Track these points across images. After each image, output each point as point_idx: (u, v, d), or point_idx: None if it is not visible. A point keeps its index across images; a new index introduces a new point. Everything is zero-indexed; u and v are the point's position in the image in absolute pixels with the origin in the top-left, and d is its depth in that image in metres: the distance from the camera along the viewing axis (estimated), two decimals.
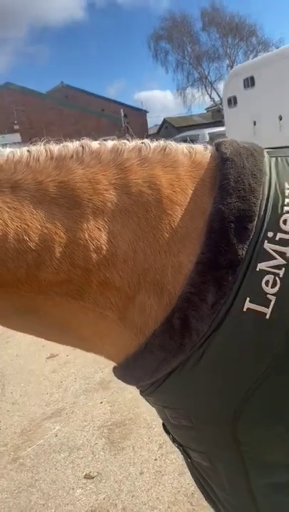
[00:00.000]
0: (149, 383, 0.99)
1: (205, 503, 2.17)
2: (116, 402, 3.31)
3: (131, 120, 28.93)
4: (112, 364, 1.08)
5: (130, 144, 1.02)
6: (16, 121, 23.99)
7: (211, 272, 0.87)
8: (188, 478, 2.38)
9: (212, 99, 35.80)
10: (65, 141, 1.01)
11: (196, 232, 0.92)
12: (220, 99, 26.80)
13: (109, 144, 1.01)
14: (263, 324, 0.86)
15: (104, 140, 1.03)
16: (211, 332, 0.88)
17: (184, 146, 1.05)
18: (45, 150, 0.96)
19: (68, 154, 0.96)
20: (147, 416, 3.02)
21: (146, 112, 37.44)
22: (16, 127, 24.05)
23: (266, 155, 1.03)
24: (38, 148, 0.97)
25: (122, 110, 26.17)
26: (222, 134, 12.33)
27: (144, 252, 0.92)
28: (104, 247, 0.90)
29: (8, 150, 0.96)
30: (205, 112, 41.35)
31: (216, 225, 0.89)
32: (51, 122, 24.81)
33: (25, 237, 0.88)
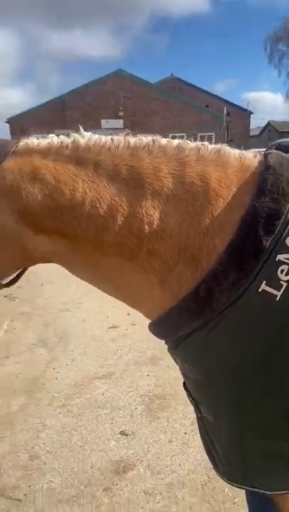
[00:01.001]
0: (175, 339, 1.22)
1: (219, 479, 2.38)
2: (161, 378, 3.58)
3: (233, 119, 28.60)
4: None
5: (192, 143, 1.25)
6: (121, 108, 24.84)
7: (237, 256, 1.08)
8: None
9: None
10: (164, 132, 1.27)
11: (232, 221, 1.13)
12: None
13: (176, 141, 1.26)
14: (273, 304, 1.05)
15: (202, 135, 1.28)
16: (229, 305, 1.09)
17: (237, 151, 1.26)
18: (124, 140, 1.22)
19: (141, 145, 1.21)
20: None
21: (250, 112, 36.65)
22: (121, 114, 24.92)
23: None
24: (120, 138, 1.23)
25: (225, 108, 25.96)
26: None
27: (188, 232, 1.15)
28: (156, 223, 1.15)
29: (96, 136, 1.25)
30: None
31: (248, 218, 1.10)
32: (154, 112, 25.35)
33: (97, 205, 1.15)
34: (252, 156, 1.23)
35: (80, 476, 2.52)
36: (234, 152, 1.24)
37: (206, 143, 1.26)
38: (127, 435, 2.88)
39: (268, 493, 1.30)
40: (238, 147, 1.31)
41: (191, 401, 1.38)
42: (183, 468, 2.57)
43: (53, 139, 1.23)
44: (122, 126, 24.42)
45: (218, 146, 1.25)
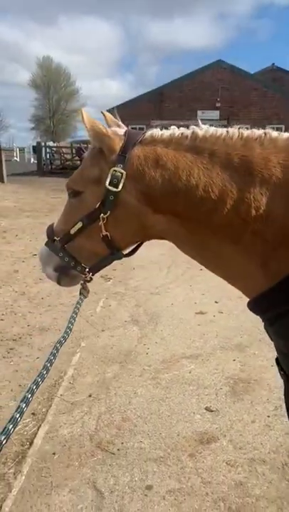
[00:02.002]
0: (272, 316, 1.35)
1: None
2: (247, 364, 3.69)
3: None
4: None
5: None
6: (218, 99, 24.57)
7: None
8: None
9: None
10: (263, 123, 1.41)
11: None
12: None
13: (286, 134, 1.38)
14: None
15: None
16: None
17: None
18: (238, 132, 1.37)
19: (254, 137, 1.34)
20: (271, 382, 3.34)
21: None
22: (218, 105, 24.65)
23: None
24: (234, 130, 1.37)
25: None
26: None
27: None
28: (262, 208, 1.28)
29: (212, 128, 1.40)
30: None
31: None
32: (252, 103, 24.73)
33: (210, 189, 1.31)
34: None
35: (167, 441, 2.75)
36: None
37: None
38: (211, 411, 3.05)
39: None
40: None
41: (282, 375, 1.50)
42: (264, 447, 2.69)
43: (174, 130, 1.41)
44: (218, 117, 24.19)
45: None
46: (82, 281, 1.62)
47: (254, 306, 1.40)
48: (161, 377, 3.51)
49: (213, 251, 1.39)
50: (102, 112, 1.57)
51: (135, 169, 1.36)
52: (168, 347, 4.04)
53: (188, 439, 2.77)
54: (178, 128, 1.43)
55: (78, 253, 1.53)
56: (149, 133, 1.43)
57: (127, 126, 1.53)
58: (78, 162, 25.11)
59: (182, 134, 1.39)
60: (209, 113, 24.22)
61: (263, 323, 1.43)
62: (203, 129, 1.38)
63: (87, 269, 1.55)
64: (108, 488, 2.37)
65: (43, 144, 29.18)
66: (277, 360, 1.50)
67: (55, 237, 1.54)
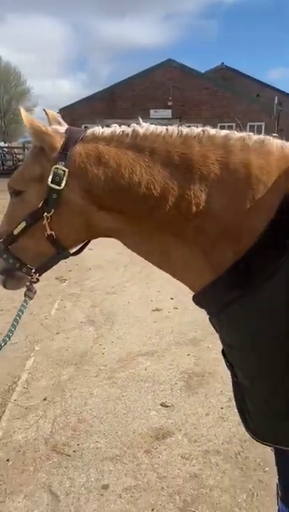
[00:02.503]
0: (216, 308, 1.37)
1: (252, 450, 2.55)
2: (201, 358, 3.76)
3: (285, 109, 27.82)
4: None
5: (238, 133, 1.41)
6: (170, 98, 24.80)
7: (275, 235, 1.23)
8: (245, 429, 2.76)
9: None
10: (214, 121, 1.43)
11: (271, 204, 1.27)
12: None
13: (224, 131, 1.41)
14: None
15: (252, 125, 1.43)
16: (266, 278, 1.24)
17: (279, 141, 1.40)
18: (178, 130, 1.39)
19: (193, 135, 1.37)
20: (225, 374, 3.41)
21: None
22: (170, 103, 24.88)
23: None
24: (174, 128, 1.40)
25: (276, 97, 25.32)
26: None
27: (230, 212, 1.30)
28: (202, 204, 1.31)
29: (152, 126, 1.42)
30: None
31: (286, 201, 1.25)
32: (203, 102, 25.13)
33: (152, 187, 1.33)
34: None
35: (123, 439, 2.76)
36: (276, 142, 1.38)
37: (251, 133, 1.41)
38: (167, 406, 3.09)
39: None
40: (288, 136, 1.44)
41: (228, 366, 1.53)
42: (218, 438, 2.76)
43: (116, 128, 1.41)
44: (171, 116, 24.42)
45: (262, 136, 1.39)
46: (28, 283, 1.60)
47: (198, 299, 1.43)
48: (117, 376, 3.51)
49: (158, 247, 1.42)
50: (44, 110, 1.57)
51: (77, 167, 1.36)
52: (124, 346, 4.06)
53: (144, 435, 2.79)
54: (119, 126, 1.44)
55: (23, 254, 1.50)
56: (90, 131, 1.43)
57: (80, 126, 1.53)
58: None
59: (123, 132, 1.40)
60: (162, 112, 24.41)
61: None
62: (143, 127, 1.40)
63: (33, 270, 1.52)
64: (64, 491, 2.35)
65: None
66: (223, 351, 1.54)
67: None
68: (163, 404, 3.12)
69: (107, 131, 1.42)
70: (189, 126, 1.43)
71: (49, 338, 4.24)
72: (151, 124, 1.46)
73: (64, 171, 1.35)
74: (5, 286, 1.63)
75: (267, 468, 2.46)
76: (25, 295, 1.62)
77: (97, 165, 1.36)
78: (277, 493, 1.68)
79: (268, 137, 1.39)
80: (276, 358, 1.28)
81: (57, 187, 1.35)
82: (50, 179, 1.35)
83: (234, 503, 2.25)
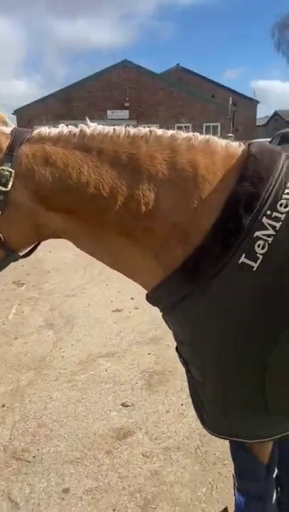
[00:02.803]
0: (168, 306, 1.39)
1: (211, 444, 2.60)
2: (161, 356, 3.79)
3: (240, 109, 28.53)
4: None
5: (184, 134, 1.43)
6: (127, 99, 24.85)
7: (221, 233, 1.26)
8: None
9: None
10: (170, 122, 1.44)
11: (217, 203, 1.30)
12: None
13: (170, 132, 1.43)
14: (250, 274, 1.23)
15: (208, 125, 1.45)
16: (214, 275, 1.26)
17: (223, 141, 1.44)
18: (125, 130, 1.40)
19: (140, 135, 1.39)
20: (184, 372, 3.45)
21: (257, 102, 36.48)
22: (127, 104, 24.94)
23: (284, 157, 1.37)
24: (121, 128, 1.41)
25: (230, 98, 25.88)
26: None
27: (179, 212, 1.33)
28: (151, 203, 1.33)
29: (100, 126, 1.42)
30: None
31: (231, 200, 1.27)
32: (160, 103, 25.33)
33: (100, 187, 1.33)
34: (237, 146, 1.41)
35: (84, 441, 2.75)
36: (221, 142, 1.41)
37: (196, 133, 1.44)
38: (127, 406, 3.10)
39: (247, 441, 1.50)
40: (243, 137, 1.48)
41: (182, 362, 1.56)
42: (178, 434, 2.79)
43: (63, 129, 1.41)
44: (128, 117, 24.48)
45: (208, 136, 1.42)
46: None
47: (151, 297, 1.45)
48: (77, 379, 3.49)
49: (108, 248, 1.42)
50: None
51: (24, 168, 1.35)
52: (84, 348, 4.03)
53: (104, 436, 2.79)
54: (66, 126, 1.43)
55: None
56: (36, 131, 1.42)
57: (36, 127, 1.50)
58: None
59: (70, 132, 1.40)
60: (118, 113, 24.43)
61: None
62: (91, 127, 1.40)
63: None
64: (23, 498, 2.32)
65: None
66: (177, 348, 1.56)
67: None
68: (124, 404, 3.13)
69: (53, 131, 1.41)
70: (148, 127, 1.45)
71: (7, 343, 4.15)
72: (108, 125, 1.47)
73: (10, 172, 1.33)
74: None
75: (226, 461, 2.51)
76: None
77: (44, 165, 1.35)
78: (234, 484, 1.73)
79: (212, 137, 1.43)
80: (225, 355, 1.31)
81: (3, 188, 1.33)
82: None
83: (194, 497, 2.29)
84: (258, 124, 39.17)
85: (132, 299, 5.22)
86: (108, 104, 24.74)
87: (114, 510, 2.23)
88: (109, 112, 24.23)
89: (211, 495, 2.31)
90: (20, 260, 1.50)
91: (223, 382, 1.37)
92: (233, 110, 25.27)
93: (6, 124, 1.49)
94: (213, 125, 23.10)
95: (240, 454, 1.63)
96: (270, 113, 45.41)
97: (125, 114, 24.67)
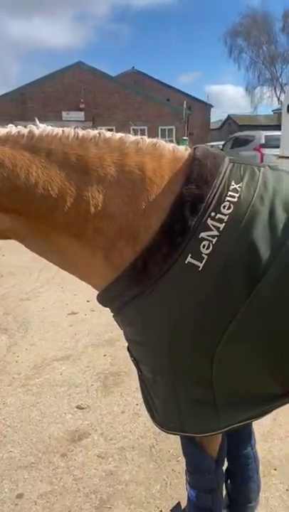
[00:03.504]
0: (118, 306, 1.41)
1: (165, 442, 2.64)
2: (117, 357, 3.81)
3: (194, 113, 29.05)
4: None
5: (133, 137, 1.46)
6: (82, 100, 24.70)
7: (168, 234, 1.30)
8: None
9: (280, 101, 35.07)
10: (126, 124, 1.45)
11: (164, 205, 1.34)
12: None
13: (119, 134, 1.46)
14: (196, 273, 1.28)
15: (163, 129, 1.48)
16: (162, 275, 1.30)
17: (170, 145, 1.48)
18: (74, 132, 1.42)
19: (89, 137, 1.41)
20: None
21: (210, 106, 37.28)
22: (82, 106, 24.78)
23: (227, 160, 1.43)
24: (70, 130, 1.42)
25: (185, 102, 26.30)
26: (278, 139, 12.33)
27: (127, 213, 1.36)
28: (100, 205, 1.35)
29: (49, 127, 1.43)
30: (272, 113, 40.64)
31: (177, 202, 1.32)
32: (115, 105, 25.36)
33: (49, 187, 1.34)
34: (183, 149, 1.45)
35: (39, 445, 2.72)
36: (168, 146, 1.46)
37: (144, 137, 1.47)
38: (82, 409, 3.10)
39: (196, 435, 1.55)
40: (198, 140, 1.52)
41: (132, 361, 1.59)
42: (133, 434, 2.82)
43: (11, 129, 1.40)
44: (83, 119, 24.35)
45: (155, 140, 1.46)
46: None
47: (101, 297, 1.47)
48: (31, 384, 3.45)
49: (59, 248, 1.43)
50: None
51: None
52: (39, 352, 3.99)
53: (59, 439, 2.78)
54: (16, 127, 1.43)
55: None
56: None
57: None
58: None
59: (19, 132, 1.40)
60: (74, 114, 24.26)
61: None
62: (40, 128, 1.40)
63: None
64: None
65: None
66: (128, 348, 1.59)
67: None
68: (79, 407, 3.12)
69: (1, 131, 1.41)
70: (105, 129, 1.46)
71: None
72: (64, 126, 1.48)
73: None
74: None
75: (180, 458, 2.56)
76: None
77: None
78: (186, 479, 1.77)
79: (160, 141, 1.48)
80: (174, 351, 1.35)
81: None
82: None
83: (149, 495, 2.32)
84: (212, 127, 40.01)
85: (87, 301, 5.20)
86: (63, 106, 24.52)
87: None
88: (64, 114, 24.01)
89: (165, 491, 2.35)
90: None
91: (172, 377, 1.41)
92: (187, 114, 25.70)
93: None
94: (169, 128, 23.41)
95: (190, 448, 1.68)
96: (224, 117, 46.55)
97: (81, 115, 24.53)
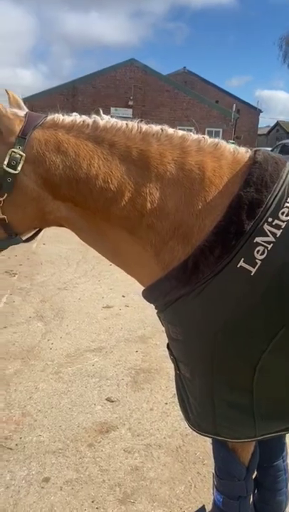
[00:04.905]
0: (163, 303, 1.42)
1: (193, 444, 2.63)
2: (148, 355, 3.82)
3: (242, 116, 28.64)
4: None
5: (195, 135, 1.45)
6: (131, 97, 24.83)
7: (222, 235, 1.29)
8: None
9: None
10: (173, 124, 1.46)
11: (221, 206, 1.33)
12: None
13: (181, 132, 1.46)
14: (247, 278, 1.26)
15: (210, 130, 1.48)
16: (212, 276, 1.29)
17: (232, 146, 1.46)
18: (137, 126, 1.42)
19: (152, 132, 1.40)
20: (170, 371, 3.48)
21: (260, 111, 36.65)
22: (131, 103, 24.92)
23: (288, 166, 1.40)
24: (133, 124, 1.42)
25: (234, 105, 25.99)
26: None
27: (183, 212, 1.35)
28: (157, 201, 1.35)
29: (113, 119, 1.44)
30: None
31: (234, 204, 1.30)
32: (164, 104, 25.34)
33: (109, 180, 1.35)
34: (244, 152, 1.43)
35: (67, 433, 2.77)
36: (229, 147, 1.44)
37: (206, 136, 1.46)
38: (112, 402, 3.13)
39: (230, 440, 1.54)
40: (244, 144, 1.51)
41: (172, 359, 1.58)
42: (161, 432, 2.82)
43: (76, 117, 1.42)
44: (131, 116, 24.45)
45: (216, 140, 1.45)
46: None
47: (147, 294, 1.48)
48: (64, 371, 3.51)
49: (110, 241, 1.45)
50: (6, 90, 1.54)
51: (35, 153, 1.36)
52: (73, 341, 4.05)
53: (88, 429, 2.81)
54: (80, 116, 1.44)
55: None
56: (50, 117, 1.43)
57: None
58: None
59: (84, 121, 1.41)
60: (122, 111, 24.39)
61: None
62: (104, 119, 1.41)
63: None
64: (4, 484, 2.33)
65: None
66: (168, 345, 1.59)
67: None
68: (108, 399, 3.15)
69: (67, 119, 1.42)
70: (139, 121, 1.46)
71: None
72: None
73: (21, 155, 1.35)
74: None
75: (206, 461, 2.55)
76: None
77: (55, 153, 1.36)
78: (213, 483, 1.76)
79: (221, 141, 1.46)
80: (217, 355, 1.34)
81: (12, 171, 1.34)
82: (5, 162, 1.34)
83: (172, 495, 2.32)
84: (259, 132, 39.40)
85: (123, 296, 5.25)
86: (112, 102, 24.70)
87: (93, 501, 2.25)
88: (112, 110, 24.18)
89: (190, 493, 2.34)
90: (14, 250, 1.53)
91: (212, 380, 1.39)
92: (236, 117, 25.37)
93: (20, 107, 1.50)
94: (215, 130, 23.17)
95: (222, 453, 1.66)
96: (272, 123, 45.78)
97: (129, 112, 24.66)
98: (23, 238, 1.51)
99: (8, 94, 1.53)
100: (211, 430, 1.52)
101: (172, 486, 2.38)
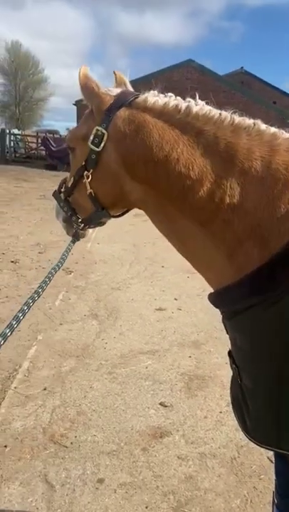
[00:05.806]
0: (232, 310, 1.36)
1: (248, 456, 2.56)
2: (202, 361, 3.77)
3: None
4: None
5: (287, 134, 1.39)
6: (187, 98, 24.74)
7: None
8: (242, 435, 2.77)
9: None
10: None
11: None
12: None
13: (272, 129, 1.39)
14: None
15: None
16: (288, 289, 1.23)
17: None
18: (230, 117, 1.35)
19: (243, 126, 1.34)
20: (225, 379, 3.42)
21: None
22: None
23: None
24: (227, 114, 1.35)
25: None
26: None
27: (263, 212, 1.27)
28: (236, 197, 1.28)
29: (207, 106, 1.37)
30: None
31: None
32: (220, 104, 24.57)
33: (190, 167, 1.30)
34: None
35: (121, 435, 2.78)
36: None
37: None
38: (166, 406, 3.10)
39: None
40: None
41: (233, 368, 1.53)
42: (215, 442, 2.77)
43: (170, 100, 1.39)
44: None
45: None
46: (76, 230, 1.69)
47: (215, 298, 1.40)
48: (117, 372, 3.53)
49: (183, 231, 1.39)
50: (114, 72, 1.60)
51: (117, 131, 1.36)
52: (126, 342, 4.07)
53: (141, 433, 2.81)
54: (175, 97, 1.41)
55: (76, 206, 1.60)
56: (142, 97, 1.41)
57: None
58: (43, 152, 24.69)
59: (176, 106, 1.36)
60: None
61: (221, 317, 1.46)
62: (198, 106, 1.36)
63: (80, 220, 1.62)
64: (59, 481, 2.37)
65: (7, 131, 28.40)
66: (229, 353, 1.53)
67: (61, 189, 1.64)
68: (162, 404, 3.13)
69: (159, 102, 1.38)
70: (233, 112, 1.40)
71: (52, 328, 4.25)
72: None
73: (103, 133, 1.36)
74: (67, 233, 1.75)
75: (262, 476, 2.47)
76: (73, 238, 1.75)
77: (138, 132, 1.34)
78: (273, 501, 1.68)
79: None
80: (283, 370, 1.27)
81: (96, 148, 1.38)
82: (90, 139, 1.38)
83: (228, 508, 2.26)
84: None
85: (175, 299, 5.22)
86: None
87: (146, 507, 2.24)
88: None
89: (245, 508, 2.27)
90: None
91: (277, 392, 1.33)
92: None
93: (126, 85, 1.53)
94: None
95: (284, 468, 1.59)
96: None
97: None
98: (112, 214, 1.57)
99: (115, 74, 1.58)
100: (273, 442, 1.44)
101: (227, 499, 2.32)
